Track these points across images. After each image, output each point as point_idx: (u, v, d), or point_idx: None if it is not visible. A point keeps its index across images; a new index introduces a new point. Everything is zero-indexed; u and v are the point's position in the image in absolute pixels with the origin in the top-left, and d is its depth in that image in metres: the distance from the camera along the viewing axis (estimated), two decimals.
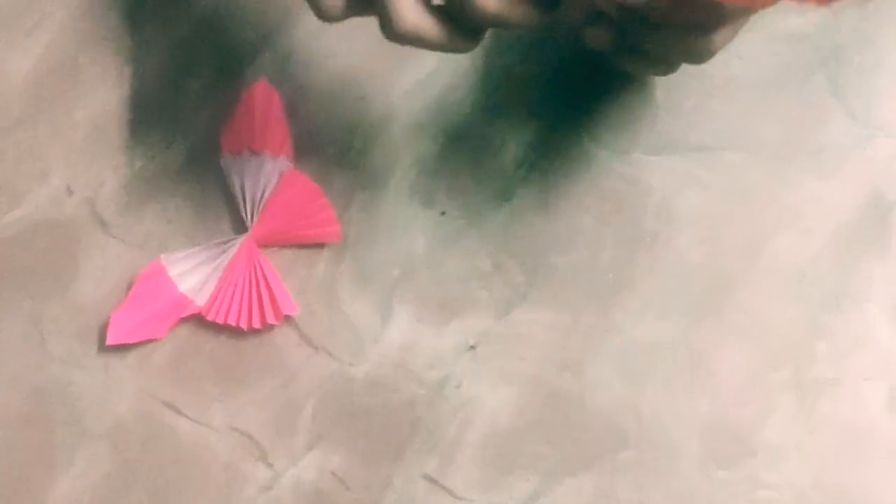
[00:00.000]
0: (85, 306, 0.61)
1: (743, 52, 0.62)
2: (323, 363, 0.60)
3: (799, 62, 0.63)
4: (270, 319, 0.60)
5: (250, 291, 0.60)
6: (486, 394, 0.60)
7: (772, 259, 0.60)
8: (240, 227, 0.62)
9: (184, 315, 0.61)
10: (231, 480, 0.59)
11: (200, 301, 0.60)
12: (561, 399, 0.60)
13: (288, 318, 0.61)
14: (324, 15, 0.50)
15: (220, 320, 0.60)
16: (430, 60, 0.63)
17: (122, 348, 0.61)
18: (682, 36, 0.50)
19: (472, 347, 0.60)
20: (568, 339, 0.60)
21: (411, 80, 0.63)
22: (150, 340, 0.61)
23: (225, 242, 0.61)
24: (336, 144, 0.63)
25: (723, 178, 0.61)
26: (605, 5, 0.51)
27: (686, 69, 0.54)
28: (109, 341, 0.60)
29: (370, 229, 0.62)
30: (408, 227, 0.62)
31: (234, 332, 0.60)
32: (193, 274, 0.61)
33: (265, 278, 0.60)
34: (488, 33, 0.51)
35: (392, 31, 0.49)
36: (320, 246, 0.62)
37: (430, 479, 0.59)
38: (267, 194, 0.61)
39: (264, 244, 0.61)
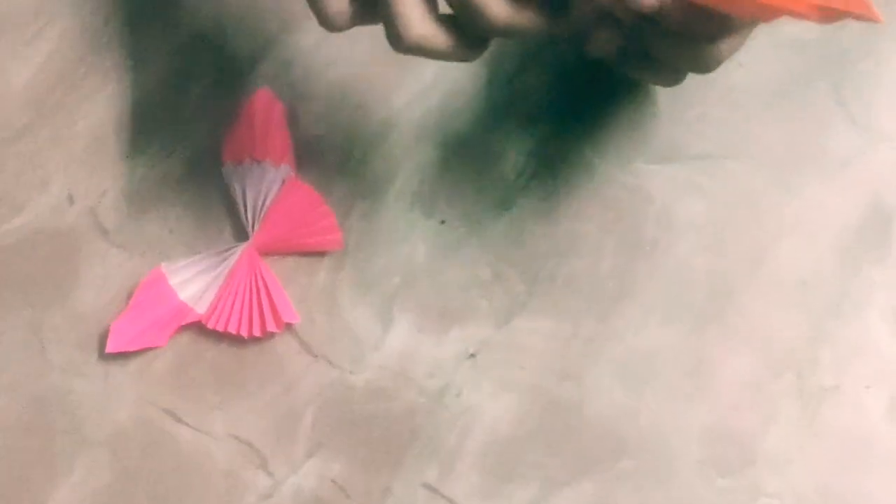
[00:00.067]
0: (85, 314, 0.61)
1: (745, 60, 0.62)
2: (323, 371, 0.60)
3: (801, 69, 0.63)
4: (271, 327, 0.60)
5: (251, 299, 0.60)
6: (486, 402, 0.60)
7: (773, 266, 0.60)
8: (241, 235, 0.62)
9: (184, 323, 0.61)
10: (231, 488, 0.59)
11: (201, 309, 0.60)
12: (561, 407, 0.59)
13: (288, 326, 0.61)
14: (329, 24, 0.50)
15: (220, 328, 0.60)
16: (430, 69, 0.63)
17: (122, 356, 0.61)
18: (690, 44, 0.50)
19: (473, 356, 0.60)
20: (568, 348, 0.60)
21: (412, 88, 0.63)
22: (151, 348, 0.61)
23: (226, 250, 0.61)
24: (337, 153, 0.63)
25: (724, 186, 0.61)
26: (616, 9, 0.50)
27: (688, 76, 0.54)
28: (109, 349, 0.60)
29: (371, 237, 0.62)
30: (408, 236, 0.62)
31: (235, 339, 0.60)
32: (194, 282, 0.61)
33: (266, 286, 0.60)
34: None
35: (399, 41, 0.48)
36: (321, 254, 0.62)
37: (430, 488, 0.59)
38: (268, 202, 0.61)
39: (265, 252, 0.61)
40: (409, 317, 0.61)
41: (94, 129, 0.63)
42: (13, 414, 0.61)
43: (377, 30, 0.50)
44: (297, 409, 0.60)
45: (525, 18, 0.48)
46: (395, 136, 0.63)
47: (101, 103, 0.64)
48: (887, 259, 0.60)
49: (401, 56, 0.50)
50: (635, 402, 0.59)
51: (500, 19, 0.48)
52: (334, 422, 0.60)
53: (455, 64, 0.59)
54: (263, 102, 0.62)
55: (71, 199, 0.63)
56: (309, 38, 0.64)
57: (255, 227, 0.61)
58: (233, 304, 0.60)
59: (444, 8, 0.49)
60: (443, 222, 0.62)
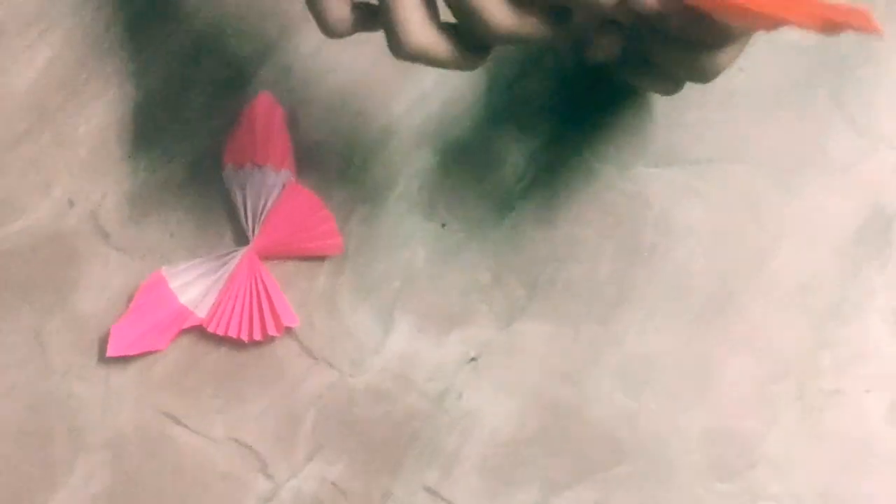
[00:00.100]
0: (86, 318, 0.61)
1: (745, 65, 0.62)
2: (323, 374, 0.60)
3: (801, 74, 0.63)
4: (271, 331, 0.60)
5: (251, 303, 0.60)
6: (486, 406, 0.60)
7: (773, 270, 0.60)
8: (241, 239, 0.62)
9: (185, 327, 0.61)
10: (231, 491, 0.59)
11: (201, 313, 0.60)
12: (561, 411, 0.59)
13: (289, 330, 0.61)
14: (330, 31, 0.50)
15: (220, 332, 0.60)
16: (430, 75, 0.63)
17: (122, 360, 0.61)
18: (689, 51, 0.50)
19: (473, 359, 0.60)
20: (568, 352, 0.60)
21: (412, 93, 0.63)
22: (151, 352, 0.61)
23: (226, 254, 0.61)
24: (337, 157, 0.63)
25: (724, 191, 0.61)
26: (618, 13, 0.50)
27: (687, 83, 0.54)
28: (110, 353, 0.60)
29: (371, 242, 0.62)
30: (408, 240, 0.62)
31: (235, 343, 0.60)
32: (194, 286, 0.61)
33: (266, 290, 0.60)
34: None
35: (399, 48, 0.48)
36: (321, 258, 0.62)
37: (431, 491, 0.59)
38: (268, 207, 0.61)
39: (266, 256, 0.61)
40: (410, 320, 0.61)
41: (95, 133, 0.64)
42: (13, 417, 0.61)
43: (378, 36, 0.50)
44: (297, 413, 0.60)
45: (528, 26, 0.48)
46: (395, 142, 0.63)
47: (102, 108, 0.64)
48: (887, 262, 0.60)
49: (401, 62, 0.50)
50: (635, 406, 0.59)
51: (502, 27, 0.47)
52: (334, 425, 0.60)
53: (455, 71, 0.59)
54: (264, 107, 0.62)
55: (72, 203, 0.63)
56: (309, 44, 0.64)
57: (256, 232, 0.61)
58: (233, 307, 0.60)
59: (446, 15, 0.49)
60: (443, 226, 0.62)
